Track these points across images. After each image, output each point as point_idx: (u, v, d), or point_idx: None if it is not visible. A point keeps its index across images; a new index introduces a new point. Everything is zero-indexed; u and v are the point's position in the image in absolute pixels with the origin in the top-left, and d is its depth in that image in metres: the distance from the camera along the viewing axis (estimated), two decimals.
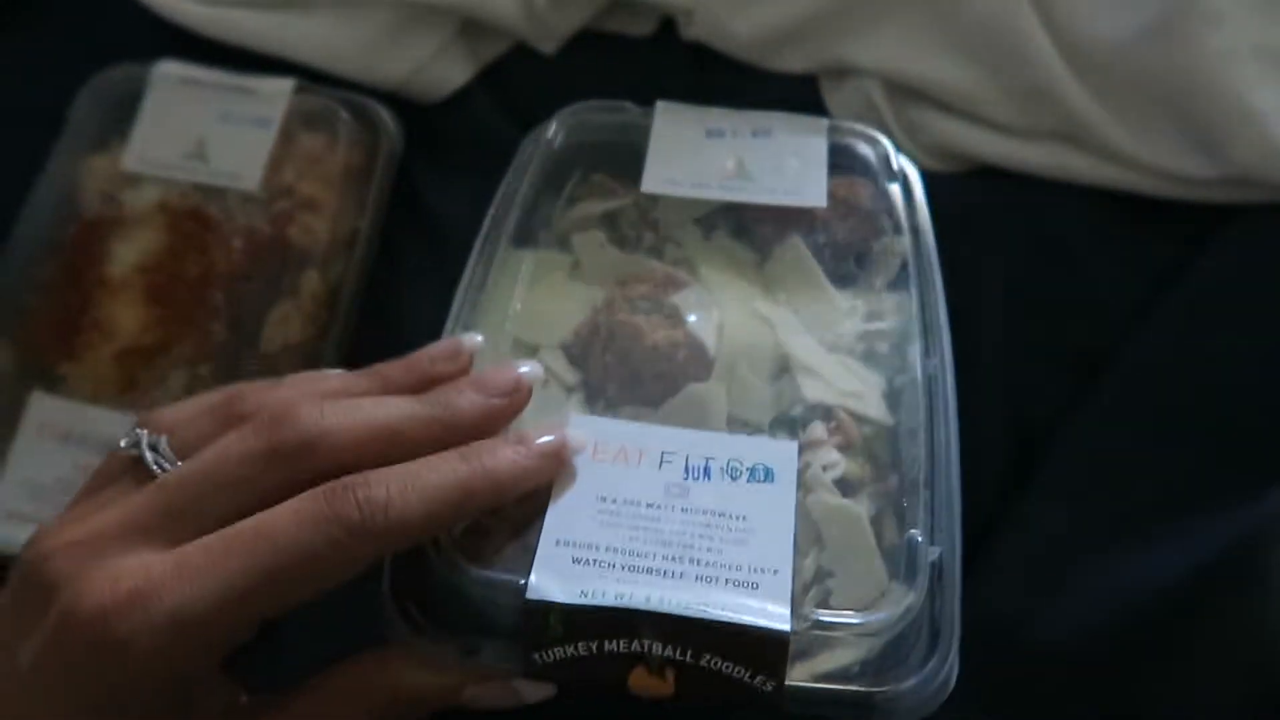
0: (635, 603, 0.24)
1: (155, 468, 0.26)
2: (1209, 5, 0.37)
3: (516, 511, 0.27)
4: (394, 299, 0.40)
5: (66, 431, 0.37)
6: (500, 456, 0.26)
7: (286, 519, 0.24)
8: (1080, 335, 0.38)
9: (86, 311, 0.38)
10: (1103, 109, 0.39)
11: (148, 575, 0.23)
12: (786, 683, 0.24)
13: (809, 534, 0.28)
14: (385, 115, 0.41)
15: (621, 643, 0.24)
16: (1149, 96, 0.38)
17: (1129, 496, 0.35)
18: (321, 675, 0.27)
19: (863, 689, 0.26)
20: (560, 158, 0.37)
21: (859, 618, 0.26)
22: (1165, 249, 0.39)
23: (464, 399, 0.27)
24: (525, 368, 0.29)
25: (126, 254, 0.39)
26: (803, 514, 0.27)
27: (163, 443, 0.27)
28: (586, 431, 0.28)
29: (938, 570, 0.27)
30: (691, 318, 0.31)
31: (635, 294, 0.33)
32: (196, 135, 0.40)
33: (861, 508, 0.28)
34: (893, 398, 0.31)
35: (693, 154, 0.36)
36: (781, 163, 0.36)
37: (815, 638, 0.26)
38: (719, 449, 0.28)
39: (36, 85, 0.43)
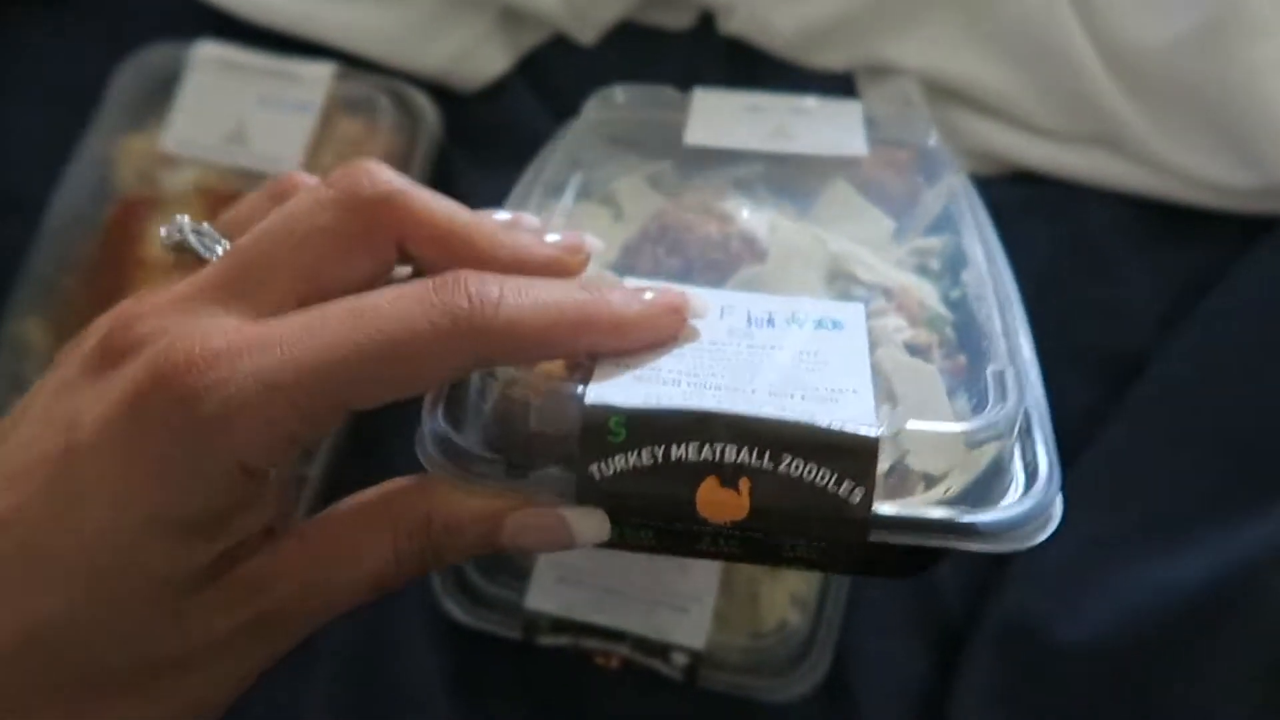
0: (706, 405, 0.22)
1: (202, 250, 0.24)
2: (1253, 16, 0.37)
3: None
4: None
5: None
6: (625, 299, 0.23)
7: (386, 296, 0.21)
8: (1112, 341, 0.38)
9: (124, 291, 0.38)
10: (1142, 115, 0.39)
11: (239, 333, 0.21)
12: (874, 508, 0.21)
13: (881, 389, 0.25)
14: (425, 103, 0.41)
15: (691, 447, 0.21)
16: (1189, 104, 0.38)
17: (1154, 504, 0.35)
18: (345, 499, 0.24)
19: (957, 513, 0.22)
20: (595, 131, 0.37)
21: (955, 427, 0.23)
22: (1200, 258, 0.39)
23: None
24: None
25: None
26: (874, 367, 0.24)
27: (206, 226, 0.25)
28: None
29: (1024, 417, 0.24)
30: (744, 213, 0.30)
31: (688, 203, 0.31)
32: (236, 118, 0.40)
33: (934, 366, 0.26)
34: (950, 305, 0.28)
35: (733, 120, 0.35)
36: (820, 125, 0.35)
37: (904, 459, 0.23)
38: (781, 305, 0.26)
39: (73, 63, 0.43)
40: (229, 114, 0.40)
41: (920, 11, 0.41)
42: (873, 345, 0.25)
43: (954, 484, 0.23)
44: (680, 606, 0.34)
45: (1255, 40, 0.37)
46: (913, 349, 0.26)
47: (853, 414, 0.22)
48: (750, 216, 0.30)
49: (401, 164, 0.40)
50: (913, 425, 0.23)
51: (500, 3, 0.42)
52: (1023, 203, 0.40)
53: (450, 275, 0.22)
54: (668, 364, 0.23)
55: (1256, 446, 0.36)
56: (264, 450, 0.21)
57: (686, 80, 0.43)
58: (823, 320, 0.25)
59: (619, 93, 0.38)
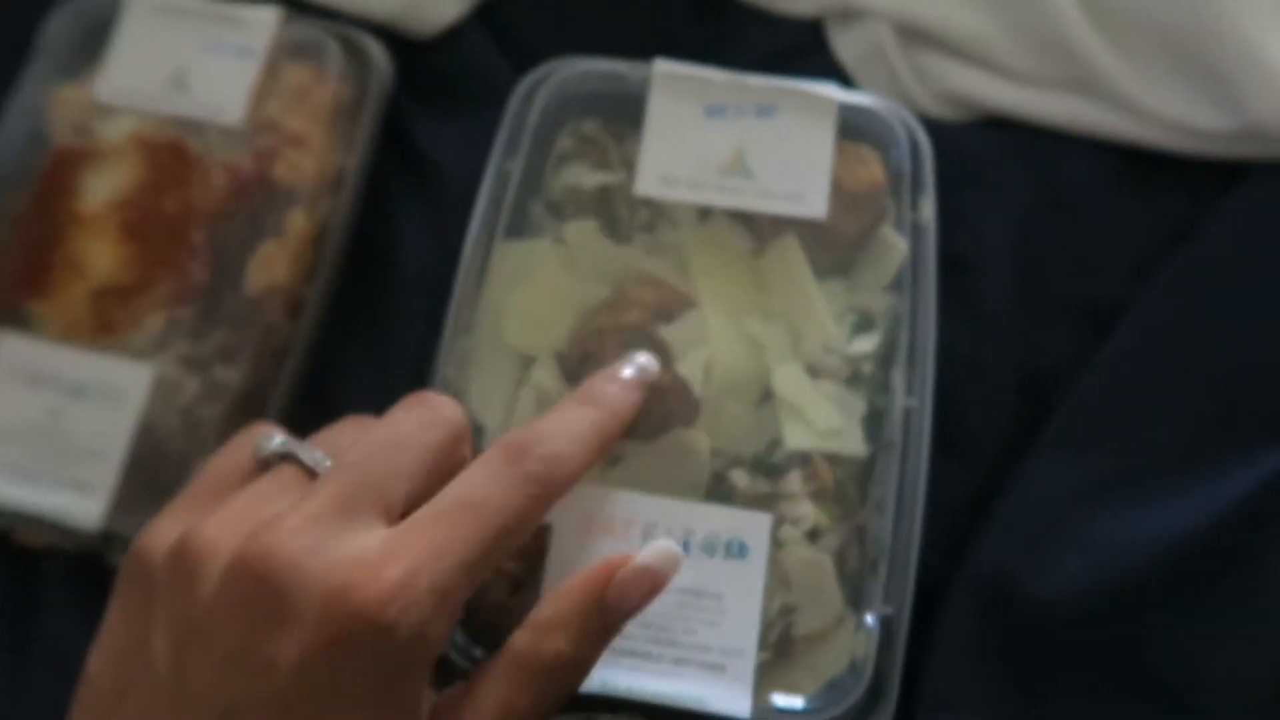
0: (618, 689, 0.29)
1: (311, 462, 0.27)
2: None
3: (518, 598, 0.30)
4: (381, 243, 0.39)
5: (36, 373, 0.35)
6: (614, 395, 0.29)
7: (489, 486, 0.25)
8: (1089, 288, 0.37)
9: (57, 248, 0.36)
10: (1118, 58, 0.38)
11: (397, 555, 0.23)
12: None
13: (778, 578, 0.31)
14: (376, 49, 0.39)
15: (608, 715, 0.29)
16: (1166, 47, 0.37)
17: (1132, 454, 0.35)
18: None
19: None
20: (552, 112, 0.36)
21: (813, 703, 0.30)
22: (1176, 204, 0.38)
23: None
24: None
25: (100, 188, 0.37)
26: (773, 563, 0.31)
27: (305, 443, 0.28)
28: (576, 503, 0.30)
29: (887, 628, 0.31)
30: (680, 359, 0.32)
31: (627, 321, 0.33)
32: (175, 64, 0.38)
33: (827, 553, 0.31)
34: (872, 421, 0.33)
35: (690, 140, 0.35)
36: (784, 155, 0.34)
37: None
38: (699, 520, 0.31)
39: (3, 9, 0.41)
40: (167, 60, 0.38)
41: None
42: (779, 545, 0.31)
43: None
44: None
45: None
46: (814, 532, 0.31)
47: (733, 690, 0.29)
48: (687, 361, 0.32)
49: (351, 113, 0.38)
50: (779, 702, 0.30)
51: None
52: (998, 149, 0.39)
53: (514, 446, 0.26)
54: None
55: (1235, 394, 0.35)
56: (442, 644, 0.24)
57: (652, 28, 0.42)
58: (731, 544, 0.31)
59: (574, 65, 0.37)
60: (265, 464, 0.28)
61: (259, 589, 0.23)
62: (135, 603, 0.25)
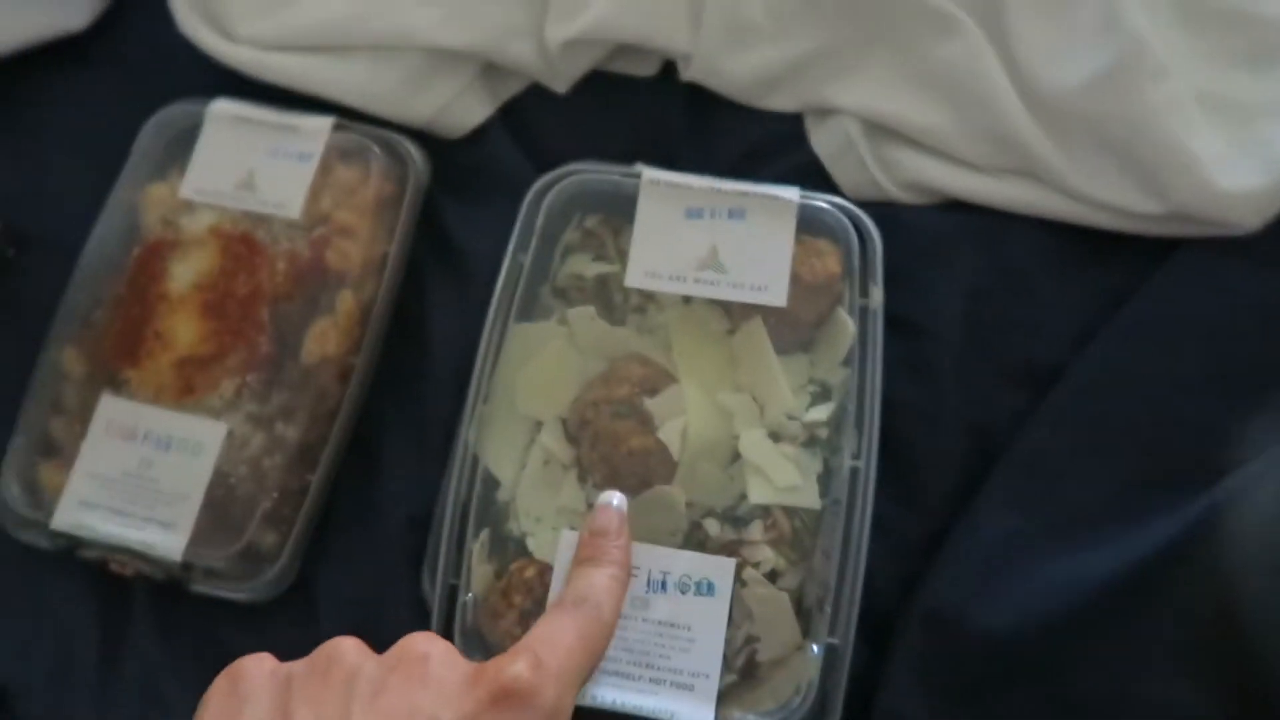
0: (604, 703, 0.35)
1: None
2: (1154, 60, 0.41)
3: (525, 628, 0.34)
4: (419, 319, 0.45)
5: (130, 430, 0.42)
6: (616, 550, 0.35)
7: (566, 622, 0.32)
8: (1031, 352, 0.42)
9: (148, 324, 0.43)
10: (1058, 150, 0.42)
11: (514, 654, 0.29)
12: None
13: (743, 612, 0.36)
14: (413, 150, 0.46)
15: None
16: (1099, 139, 0.42)
17: (1068, 503, 0.39)
18: None
19: None
20: (559, 209, 0.42)
21: (767, 718, 0.35)
22: (1113, 277, 0.42)
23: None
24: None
25: (184, 273, 0.44)
26: (739, 599, 0.36)
27: None
28: (572, 550, 0.36)
29: (832, 655, 0.36)
30: (661, 427, 0.38)
31: (618, 395, 0.38)
32: (246, 167, 0.45)
33: (786, 591, 0.36)
34: (826, 477, 0.38)
35: (672, 238, 0.41)
36: (752, 251, 0.40)
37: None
38: (674, 564, 0.37)
39: (106, 119, 0.48)
40: (240, 164, 0.45)
41: (859, 59, 0.45)
42: (743, 584, 0.36)
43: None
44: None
45: (1156, 82, 0.41)
46: (773, 574, 0.37)
47: (700, 706, 0.35)
48: (667, 429, 0.38)
49: (392, 206, 0.45)
50: (737, 716, 0.35)
51: (482, 59, 0.47)
52: (953, 229, 0.44)
53: (570, 600, 0.33)
54: None
55: (1161, 449, 0.39)
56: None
57: (652, 123, 0.48)
58: (700, 584, 0.36)
59: (577, 173, 0.43)
60: None
61: (412, 662, 0.29)
62: (268, 693, 0.29)
